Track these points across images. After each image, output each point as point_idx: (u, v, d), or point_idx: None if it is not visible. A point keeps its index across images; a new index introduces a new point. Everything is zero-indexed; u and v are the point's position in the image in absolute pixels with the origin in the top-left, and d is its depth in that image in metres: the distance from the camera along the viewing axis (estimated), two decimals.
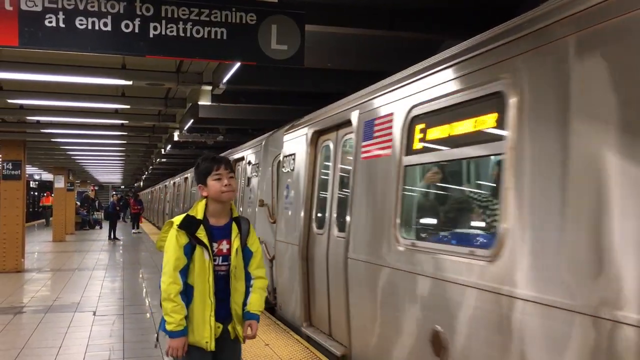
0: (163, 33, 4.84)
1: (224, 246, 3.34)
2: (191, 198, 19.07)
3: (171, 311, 3.21)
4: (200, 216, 3.30)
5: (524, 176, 3.14)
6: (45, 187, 37.29)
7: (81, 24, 4.67)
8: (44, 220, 35.11)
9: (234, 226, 3.38)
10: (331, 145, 6.25)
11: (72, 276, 12.76)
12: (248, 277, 3.46)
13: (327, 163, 6.37)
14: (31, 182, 38.94)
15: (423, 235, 4.48)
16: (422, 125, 4.25)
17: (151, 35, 4.82)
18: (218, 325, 3.33)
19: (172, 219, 3.36)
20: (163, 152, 19.73)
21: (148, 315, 8.69)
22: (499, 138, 3.37)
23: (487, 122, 3.56)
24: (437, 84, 4.06)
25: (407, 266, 4.24)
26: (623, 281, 2.42)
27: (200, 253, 3.25)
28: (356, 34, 6.59)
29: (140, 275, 13.09)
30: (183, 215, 3.33)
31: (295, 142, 7.25)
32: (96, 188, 54.68)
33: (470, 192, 4.40)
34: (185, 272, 3.26)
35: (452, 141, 3.92)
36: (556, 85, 2.98)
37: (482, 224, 3.82)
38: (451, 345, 3.66)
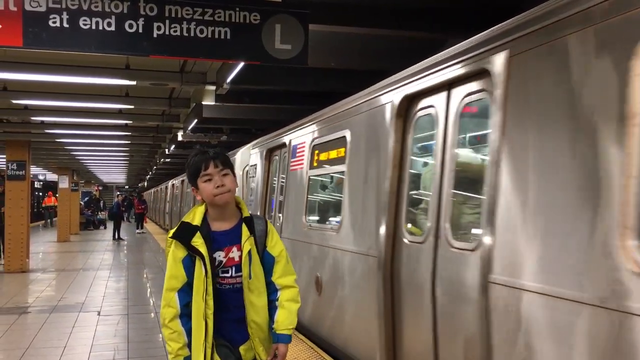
0: (167, 33, 4.84)
1: (235, 253, 2.78)
2: (187, 198, 20.20)
3: (168, 339, 2.76)
4: (197, 222, 2.78)
5: (351, 186, 5.53)
6: (50, 187, 37.33)
7: (85, 24, 4.68)
8: (43, 221, 34.71)
9: (244, 228, 2.82)
10: (277, 160, 8.39)
11: (76, 276, 12.79)
12: (273, 289, 2.87)
13: (275, 173, 8.58)
14: (36, 183, 38.99)
15: (315, 219, 6.91)
16: (317, 151, 6.59)
17: (155, 35, 4.83)
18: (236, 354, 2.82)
19: (171, 229, 2.88)
20: (167, 152, 19.75)
21: (152, 315, 8.70)
22: (344, 162, 5.71)
23: (340, 153, 5.90)
24: (323, 127, 6.46)
25: (307, 239, 6.50)
26: (377, 239, 4.72)
27: (199, 264, 2.73)
28: (359, 34, 6.59)
29: (145, 275, 13.12)
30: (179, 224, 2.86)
31: (257, 156, 9.43)
32: (100, 188, 54.80)
33: (336, 194, 6.46)
34: (189, 290, 2.76)
35: (328, 162, 6.33)
36: (366, 134, 5.29)
37: (338, 213, 5.90)
38: (324, 284, 5.97)
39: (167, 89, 10.23)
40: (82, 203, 31.08)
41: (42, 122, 13.54)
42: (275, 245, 2.91)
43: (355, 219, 5.33)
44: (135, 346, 6.82)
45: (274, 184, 8.51)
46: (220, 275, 2.77)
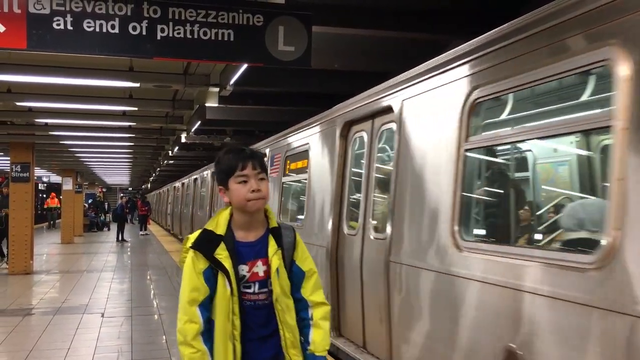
0: (170, 35, 4.84)
1: (260, 268, 2.50)
2: (186, 200, 20.90)
3: (189, 359, 2.44)
4: (221, 230, 2.49)
5: (311, 190, 6.82)
6: (54, 189, 37.36)
7: (89, 27, 4.68)
8: (47, 223, 34.70)
9: (271, 240, 2.53)
10: None
11: (80, 278, 12.81)
12: (304, 305, 2.59)
13: None
14: (39, 184, 39.03)
15: (287, 218, 8.15)
16: (289, 161, 8.07)
17: (158, 37, 4.82)
18: None
19: (190, 235, 2.60)
20: (170, 154, 19.77)
21: (156, 316, 8.71)
22: (307, 171, 7.02)
23: (305, 163, 7.19)
24: (294, 141, 7.84)
25: None
26: (326, 233, 6.11)
27: (222, 280, 2.45)
28: (363, 35, 6.59)
29: (148, 277, 13.13)
30: (199, 231, 2.58)
31: None
32: (104, 190, 54.85)
33: (301, 197, 7.74)
34: (208, 305, 2.49)
35: (297, 171, 7.74)
36: (321, 149, 6.64)
37: (302, 212, 7.19)
38: None
39: (170, 90, 10.24)
40: (86, 205, 31.10)
41: (46, 124, 13.56)
42: (306, 260, 2.64)
43: (313, 217, 6.68)
44: (138, 348, 6.83)
45: None
46: (242, 290, 2.50)
